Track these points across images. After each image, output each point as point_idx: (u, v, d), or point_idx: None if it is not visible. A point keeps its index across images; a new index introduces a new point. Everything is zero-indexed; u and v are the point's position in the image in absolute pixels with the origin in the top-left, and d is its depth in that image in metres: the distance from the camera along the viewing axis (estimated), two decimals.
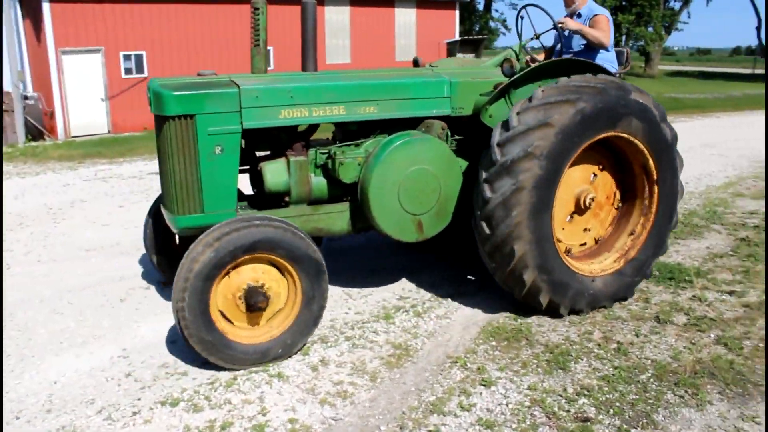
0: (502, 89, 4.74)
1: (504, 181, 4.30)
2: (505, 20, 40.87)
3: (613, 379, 3.92)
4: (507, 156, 4.29)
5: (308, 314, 4.15)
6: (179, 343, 4.37)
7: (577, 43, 5.28)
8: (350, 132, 4.83)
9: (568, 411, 3.60)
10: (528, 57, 5.38)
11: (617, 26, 37.33)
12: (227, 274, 3.95)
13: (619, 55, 5.49)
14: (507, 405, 3.67)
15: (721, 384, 3.88)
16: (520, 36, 5.40)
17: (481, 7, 37.78)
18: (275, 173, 4.56)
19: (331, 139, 5.08)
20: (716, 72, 48.49)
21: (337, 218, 4.76)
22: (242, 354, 4.01)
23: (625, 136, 4.66)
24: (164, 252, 5.16)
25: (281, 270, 4.09)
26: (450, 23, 20.77)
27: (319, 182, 4.72)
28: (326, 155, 4.69)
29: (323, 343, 4.41)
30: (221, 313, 3.99)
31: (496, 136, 4.40)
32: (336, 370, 4.06)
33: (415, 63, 6.25)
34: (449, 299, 5.16)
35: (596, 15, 5.21)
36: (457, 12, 20.96)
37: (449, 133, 4.96)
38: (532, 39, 5.35)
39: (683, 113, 20.17)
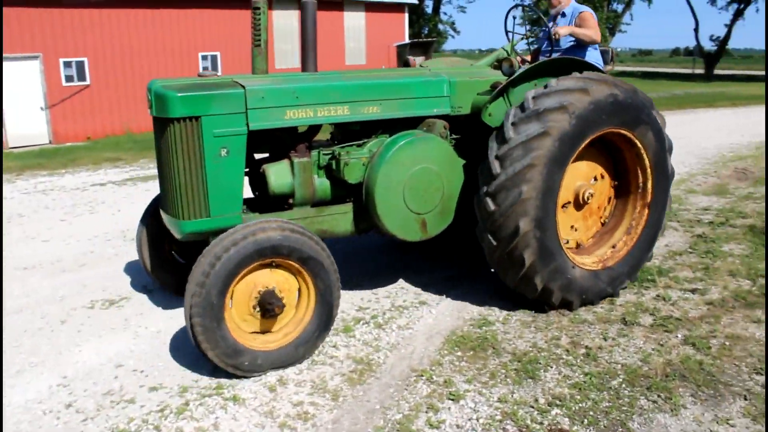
0: (501, 88, 4.72)
1: (516, 158, 4.32)
2: (453, 23, 41.08)
3: (584, 387, 3.78)
4: (521, 134, 4.33)
5: (321, 319, 4.09)
6: (126, 367, 4.07)
7: (566, 42, 5.36)
8: (352, 132, 4.77)
9: (542, 423, 3.45)
10: (519, 58, 5.36)
11: None
12: (242, 278, 3.86)
13: (604, 53, 5.57)
14: (477, 420, 3.49)
15: (693, 386, 3.79)
16: (508, 36, 5.55)
17: (429, 10, 37.94)
18: (279, 175, 4.47)
19: (330, 140, 4.97)
20: (658, 72, 49.81)
21: (340, 219, 4.70)
22: (255, 360, 3.91)
23: (628, 134, 4.77)
24: (159, 256, 5.02)
25: (294, 274, 4.03)
26: (399, 26, 20.69)
27: (322, 183, 4.65)
28: (330, 156, 4.62)
29: None
30: (234, 318, 3.90)
31: (510, 116, 4.44)
32: (295, 390, 3.83)
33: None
34: (411, 309, 4.97)
35: (582, 12, 5.35)
36: (406, 15, 20.89)
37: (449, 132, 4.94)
38: (522, 39, 5.52)
39: None
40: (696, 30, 46.65)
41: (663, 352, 4.20)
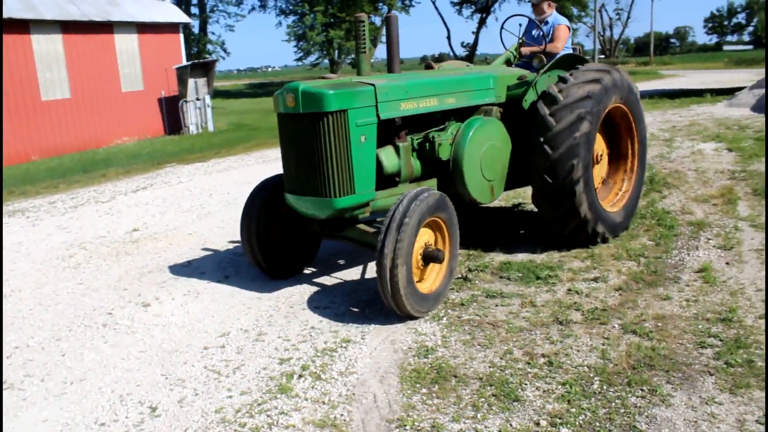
0: (532, 80, 6.03)
1: (565, 114, 5.64)
2: (223, 42, 39.80)
3: (571, 398, 3.60)
4: (568, 98, 5.69)
5: (451, 269, 5.10)
6: None
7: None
8: (434, 120, 5.68)
9: None
10: (530, 50, 6.75)
11: (330, 42, 38.98)
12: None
13: (574, 50, 7.12)
14: None
15: (663, 373, 3.80)
16: (503, 44, 7.13)
17: (196, 30, 36.27)
18: (389, 158, 5.29)
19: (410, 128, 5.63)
20: None
21: None
22: (422, 302, 4.77)
23: (624, 108, 6.34)
24: (266, 245, 5.66)
25: (435, 231, 4.99)
26: (175, 48, 19.37)
27: (417, 162, 5.56)
28: (421, 140, 5.57)
29: None
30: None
31: (555, 88, 5.78)
32: None
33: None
34: (339, 350, 4.42)
35: (558, 25, 6.76)
36: (182, 36, 19.64)
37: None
38: (519, 44, 7.00)
39: None
40: (448, 38, 50.95)
41: (614, 344, 4.20)
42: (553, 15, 6.79)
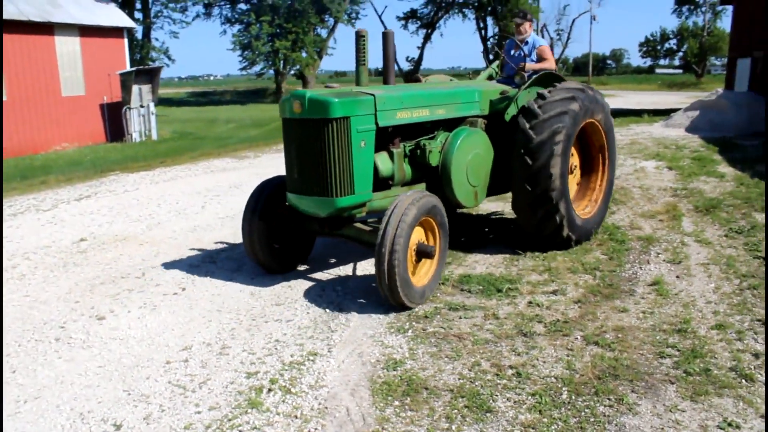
0: (514, 95, 6.56)
1: (545, 127, 6.11)
2: (167, 49, 38.85)
3: (542, 408, 3.67)
4: (548, 112, 6.18)
5: (440, 267, 5.54)
6: None
7: (531, 60, 7.12)
8: (423, 129, 6.09)
9: None
10: (532, 67, 6.99)
11: (275, 52, 38.73)
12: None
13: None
14: None
15: (627, 382, 3.92)
16: (496, 59, 7.83)
17: (140, 35, 35.36)
18: (384, 162, 5.70)
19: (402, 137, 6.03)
20: None
21: None
22: (414, 294, 5.15)
23: (596, 122, 6.83)
24: (267, 243, 5.99)
25: (427, 230, 5.41)
26: (119, 53, 18.87)
27: (408, 168, 6.00)
28: (413, 147, 6.00)
29: None
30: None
31: (534, 104, 6.27)
32: None
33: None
34: (307, 363, 4.37)
35: (541, 46, 7.19)
36: (126, 41, 19.16)
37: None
38: (500, 60, 7.58)
39: None
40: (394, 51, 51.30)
41: (578, 355, 4.30)
42: (531, 35, 7.28)
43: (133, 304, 5.55)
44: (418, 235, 5.28)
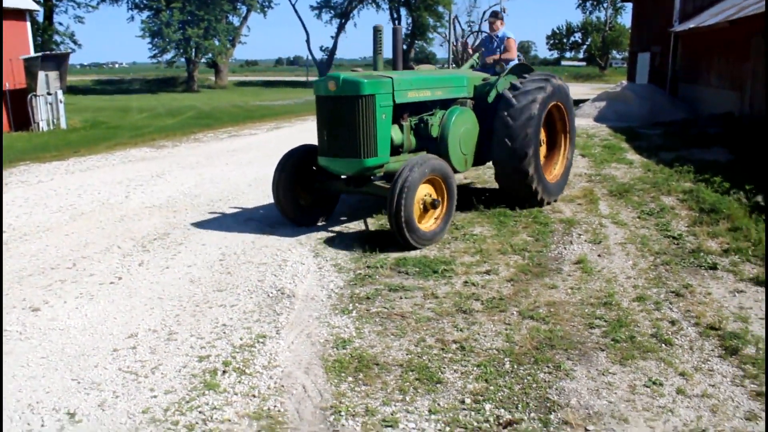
0: (495, 81, 7.96)
1: (520, 115, 7.48)
2: (72, 34, 36.74)
3: (488, 378, 3.91)
4: (521, 101, 7.52)
5: (449, 215, 6.82)
6: None
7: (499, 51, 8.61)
8: (424, 106, 7.40)
9: (488, 421, 3.46)
10: (492, 59, 8.57)
11: (187, 40, 37.65)
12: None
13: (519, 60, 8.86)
14: None
15: (563, 351, 4.24)
16: (474, 53, 8.96)
17: (40, 18, 33.32)
18: (397, 133, 7.05)
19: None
20: (278, 81, 52.93)
21: None
22: (420, 237, 6.44)
23: (561, 104, 8.32)
24: (292, 200, 7.25)
25: (436, 187, 6.69)
26: (22, 36, 17.84)
27: (413, 138, 7.35)
28: (417, 121, 7.38)
29: None
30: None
31: (510, 93, 7.65)
32: None
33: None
34: (257, 345, 4.44)
35: (508, 38, 8.65)
36: (29, 24, 18.17)
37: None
38: (478, 53, 8.91)
39: (282, 118, 21.44)
40: (308, 41, 50.92)
41: (515, 329, 4.59)
42: (502, 31, 8.68)
43: (68, 295, 5.43)
44: (427, 190, 6.57)
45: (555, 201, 8.32)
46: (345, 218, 7.90)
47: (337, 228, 7.45)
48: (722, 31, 16.73)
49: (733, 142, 13.26)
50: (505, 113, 7.49)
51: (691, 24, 19.74)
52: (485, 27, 9.10)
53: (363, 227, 7.44)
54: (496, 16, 8.70)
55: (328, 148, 6.68)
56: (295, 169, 7.21)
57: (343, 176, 7.07)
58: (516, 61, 8.60)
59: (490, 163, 8.29)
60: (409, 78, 6.99)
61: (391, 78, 6.65)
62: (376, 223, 7.63)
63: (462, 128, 7.51)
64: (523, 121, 7.44)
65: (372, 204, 8.36)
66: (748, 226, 6.79)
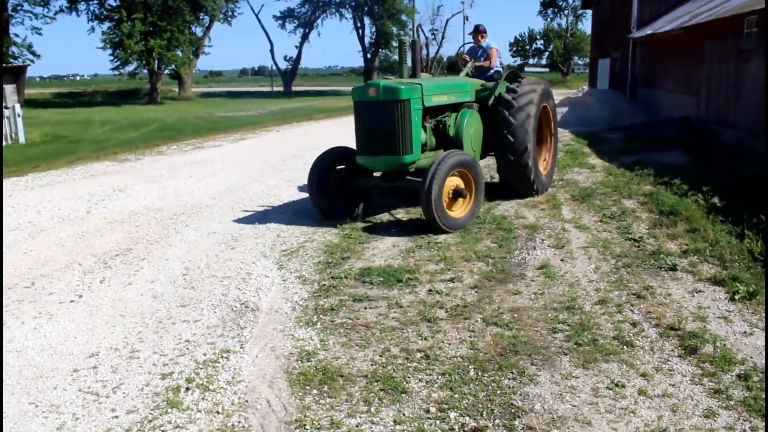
0: (494, 85, 8.95)
1: (519, 114, 8.49)
2: (30, 45, 35.87)
3: (453, 386, 3.93)
4: (520, 102, 8.57)
5: (476, 205, 7.69)
6: None
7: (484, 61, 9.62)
8: (439, 110, 8.24)
9: (453, 430, 3.48)
10: (474, 65, 9.64)
11: (149, 51, 37.21)
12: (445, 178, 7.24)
13: (502, 66, 9.83)
14: None
15: (526, 356, 4.27)
16: (465, 64, 9.66)
17: None
18: (423, 133, 7.81)
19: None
20: (244, 92, 52.56)
21: None
22: (450, 222, 7.30)
23: (548, 105, 9.52)
24: (328, 195, 8.10)
25: (464, 179, 7.57)
26: None
27: (433, 137, 8.22)
28: (435, 123, 8.24)
29: None
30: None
31: (509, 95, 8.68)
32: None
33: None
34: (221, 360, 4.39)
35: (491, 48, 9.64)
36: None
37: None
38: (472, 63, 9.63)
39: (247, 129, 21.31)
40: (272, 51, 50.71)
41: (480, 336, 4.62)
42: (486, 41, 9.71)
43: (26, 315, 5.30)
44: (456, 181, 7.47)
45: (546, 191, 9.38)
46: (311, 229, 7.87)
47: (302, 239, 7.42)
48: (678, 37, 17.14)
49: (691, 145, 13.57)
50: (507, 113, 8.43)
51: (648, 30, 20.18)
52: (469, 39, 10.27)
53: (325, 239, 7.42)
54: (477, 30, 9.74)
55: (369, 147, 7.57)
56: (327, 169, 8.03)
57: (376, 173, 8.20)
58: (498, 67, 9.56)
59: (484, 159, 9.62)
60: (433, 84, 7.94)
61: (420, 84, 7.53)
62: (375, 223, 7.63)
63: (472, 128, 8.51)
64: (523, 119, 8.41)
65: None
66: (706, 227, 6.96)
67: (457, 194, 7.40)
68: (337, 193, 8.25)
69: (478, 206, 7.72)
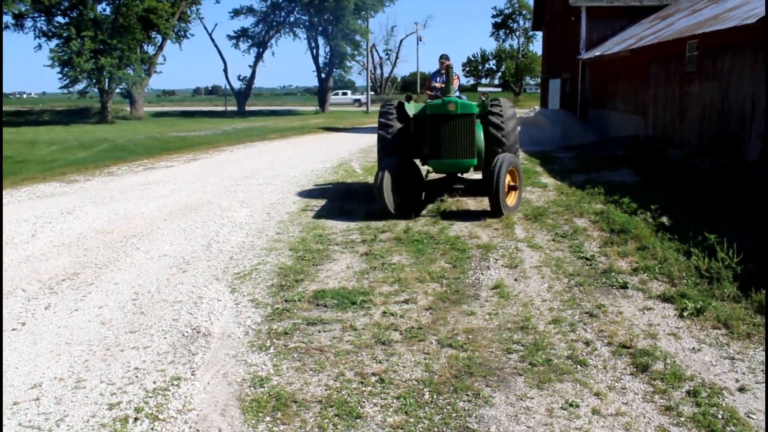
0: (484, 103, 10.07)
1: (508, 122, 9.94)
2: None
3: (408, 410, 3.90)
4: (506, 113, 9.97)
5: (520, 195, 9.74)
6: None
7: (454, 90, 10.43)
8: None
9: None
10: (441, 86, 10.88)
11: (100, 69, 36.47)
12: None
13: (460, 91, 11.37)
14: None
15: (481, 378, 4.28)
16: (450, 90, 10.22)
17: None
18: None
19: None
20: (197, 111, 51.97)
21: None
22: (508, 208, 9.21)
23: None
24: (392, 199, 9.32)
25: (512, 176, 9.49)
26: None
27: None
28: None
29: None
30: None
31: (497, 109, 9.99)
32: None
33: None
34: (171, 388, 4.27)
35: (456, 75, 10.54)
36: None
37: None
38: (455, 92, 10.37)
39: (199, 149, 21.04)
40: (225, 71, 50.31)
41: (434, 358, 4.60)
42: (451, 67, 10.64)
43: None
44: (509, 177, 9.22)
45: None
46: (264, 251, 7.77)
47: (255, 261, 7.32)
48: (625, 59, 17.67)
49: (639, 163, 13.94)
50: (500, 122, 9.87)
51: (596, 52, 20.75)
52: (437, 65, 11.51)
53: (279, 261, 7.33)
54: (446, 58, 11.15)
55: (442, 152, 9.36)
56: (391, 177, 9.28)
57: (441, 175, 10.12)
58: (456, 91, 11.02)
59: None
60: (475, 102, 9.72)
61: (474, 102, 9.56)
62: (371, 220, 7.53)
63: (481, 136, 10.01)
64: (512, 126, 10.03)
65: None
66: (655, 245, 7.12)
67: (510, 188, 9.37)
68: (399, 196, 9.54)
69: (521, 193, 9.76)
